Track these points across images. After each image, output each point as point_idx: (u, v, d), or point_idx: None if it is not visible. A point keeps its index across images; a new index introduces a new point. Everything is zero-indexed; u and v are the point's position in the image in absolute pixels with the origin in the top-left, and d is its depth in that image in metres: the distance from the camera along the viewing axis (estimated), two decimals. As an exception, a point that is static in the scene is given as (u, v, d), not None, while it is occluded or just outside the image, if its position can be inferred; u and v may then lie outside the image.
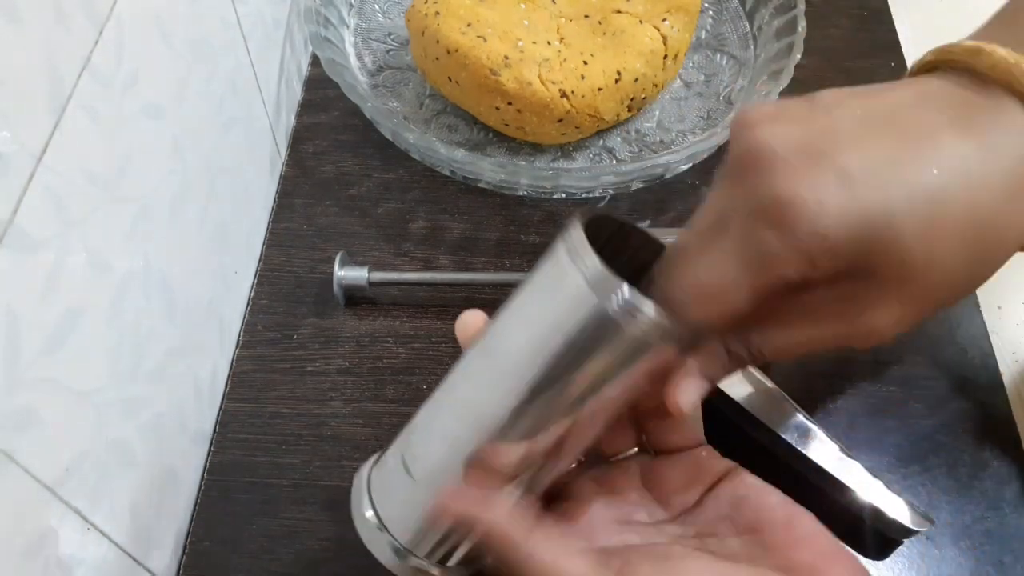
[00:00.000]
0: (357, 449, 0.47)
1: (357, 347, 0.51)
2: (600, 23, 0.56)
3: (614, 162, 0.58)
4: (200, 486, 0.46)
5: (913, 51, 0.56)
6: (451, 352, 0.50)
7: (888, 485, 0.42)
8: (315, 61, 0.65)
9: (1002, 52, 0.27)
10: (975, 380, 0.49)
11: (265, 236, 0.55)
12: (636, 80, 0.55)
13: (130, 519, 0.38)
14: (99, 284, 0.35)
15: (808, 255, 0.26)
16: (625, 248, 0.30)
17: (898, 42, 0.65)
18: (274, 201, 0.57)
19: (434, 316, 0.52)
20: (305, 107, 0.62)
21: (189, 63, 0.43)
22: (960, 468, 0.46)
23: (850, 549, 0.30)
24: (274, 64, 0.58)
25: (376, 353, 0.50)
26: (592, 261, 0.26)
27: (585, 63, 0.54)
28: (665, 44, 0.56)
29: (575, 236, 0.27)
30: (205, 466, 0.47)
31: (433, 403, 0.31)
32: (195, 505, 0.45)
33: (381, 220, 0.56)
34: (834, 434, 0.44)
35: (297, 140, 0.60)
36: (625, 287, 0.26)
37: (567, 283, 0.27)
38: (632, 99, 0.56)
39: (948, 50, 0.29)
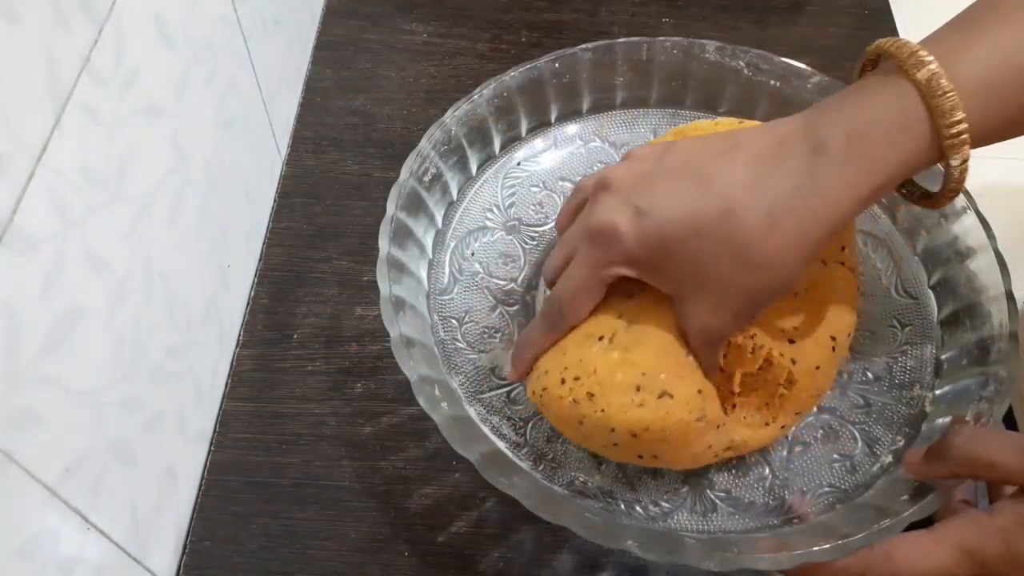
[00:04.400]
0: (357, 449, 0.47)
1: (357, 346, 0.51)
2: None
3: (854, 432, 0.45)
4: (200, 486, 0.46)
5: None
6: (451, 352, 0.50)
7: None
8: (315, 60, 0.65)
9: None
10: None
11: (265, 235, 0.55)
12: (849, 335, 0.44)
13: (130, 519, 0.38)
14: (99, 284, 0.35)
15: (626, 258, 0.38)
16: None
17: (898, 42, 0.65)
18: (274, 200, 0.57)
19: (434, 316, 0.52)
20: (305, 106, 0.62)
21: (189, 62, 0.43)
22: (960, 468, 0.46)
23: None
24: (274, 63, 0.57)
25: (376, 352, 0.50)
26: None
27: (791, 342, 0.42)
28: (855, 276, 0.45)
29: None
30: (205, 465, 0.47)
31: None
32: (195, 504, 0.45)
33: (381, 219, 0.56)
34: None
35: (297, 139, 0.60)
36: None
37: None
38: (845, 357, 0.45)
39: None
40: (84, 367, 0.34)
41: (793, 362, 0.42)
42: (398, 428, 0.48)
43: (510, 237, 0.52)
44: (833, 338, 0.43)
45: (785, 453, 0.45)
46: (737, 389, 0.42)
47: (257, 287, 0.53)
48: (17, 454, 0.30)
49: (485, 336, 0.48)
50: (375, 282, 0.52)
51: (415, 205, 0.48)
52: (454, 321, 0.48)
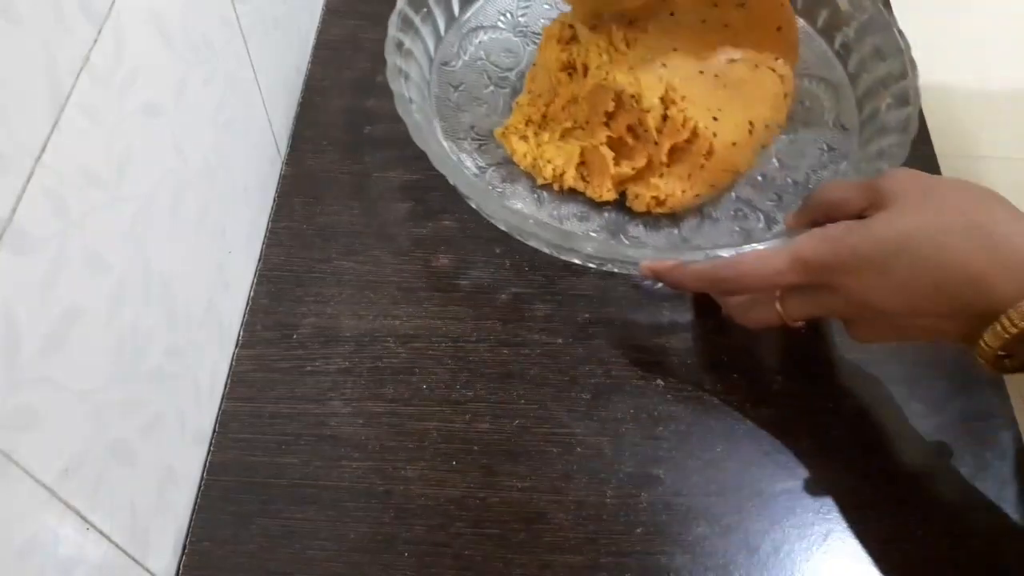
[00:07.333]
0: (356, 449, 0.47)
1: (357, 347, 0.51)
2: (717, 76, 0.53)
3: (760, 216, 0.54)
4: (200, 486, 0.46)
5: (914, 51, 0.56)
6: (451, 351, 0.50)
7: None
8: (315, 59, 0.65)
9: None
10: (975, 380, 0.49)
11: (265, 235, 0.55)
12: (767, 127, 0.53)
13: (129, 519, 0.38)
14: (98, 284, 0.35)
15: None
16: None
17: (899, 41, 0.65)
18: (273, 200, 0.57)
19: (434, 316, 0.52)
20: (304, 106, 0.62)
21: (188, 62, 0.43)
22: (960, 468, 0.46)
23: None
24: (274, 63, 0.57)
25: (376, 353, 0.50)
26: None
27: (715, 119, 0.51)
28: (783, 83, 0.54)
29: None
30: (205, 466, 0.47)
31: None
32: (195, 505, 0.45)
33: (381, 219, 0.56)
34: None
35: (297, 139, 0.60)
36: None
37: None
38: (763, 146, 0.54)
39: None
40: (83, 367, 0.34)
41: (714, 135, 0.50)
42: (398, 428, 0.48)
43: (516, 39, 0.63)
44: (751, 123, 0.52)
45: (696, 222, 0.54)
46: (664, 159, 0.51)
47: (257, 287, 0.53)
48: (16, 454, 0.30)
49: (474, 104, 0.59)
50: (375, 282, 0.53)
51: None
52: (450, 86, 0.60)
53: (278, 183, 0.58)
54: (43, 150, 0.31)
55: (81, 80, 0.33)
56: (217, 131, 0.48)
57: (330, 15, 0.68)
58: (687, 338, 0.51)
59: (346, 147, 0.59)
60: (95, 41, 0.34)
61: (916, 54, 0.55)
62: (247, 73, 0.52)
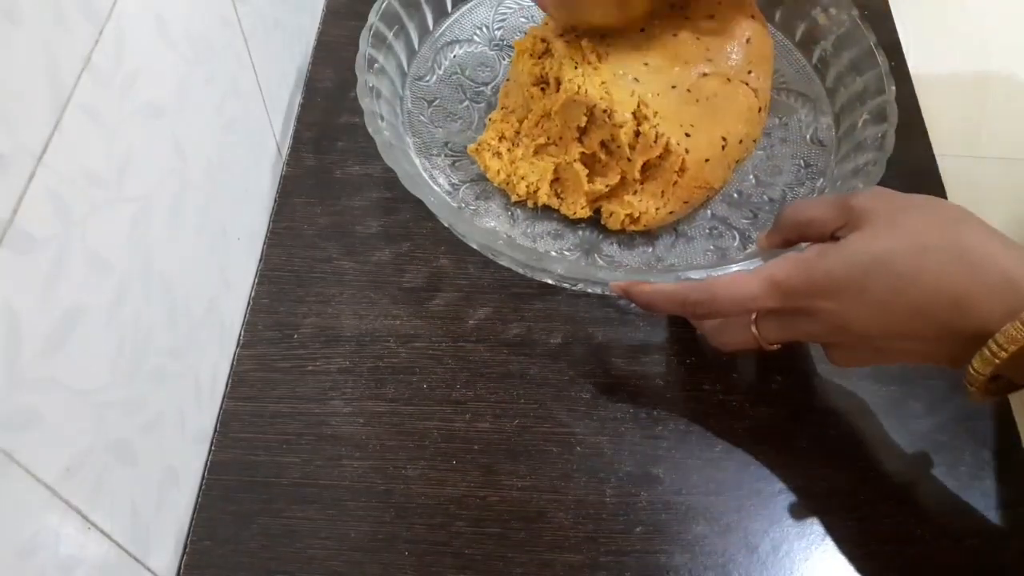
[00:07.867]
0: (357, 448, 0.47)
1: (357, 346, 0.51)
2: (690, 91, 0.52)
3: (735, 234, 0.54)
4: (201, 485, 0.46)
5: (913, 51, 0.56)
6: (451, 351, 0.50)
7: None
8: (315, 60, 0.65)
9: None
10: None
11: (266, 236, 0.55)
12: (740, 142, 0.52)
13: (131, 518, 0.39)
14: (99, 284, 0.35)
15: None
16: None
17: (899, 42, 0.65)
18: (274, 200, 0.57)
19: (434, 316, 0.52)
20: (305, 107, 0.62)
21: (189, 63, 0.43)
22: (960, 468, 0.46)
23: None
24: (275, 64, 0.58)
25: (376, 352, 0.50)
26: None
27: (688, 135, 0.50)
28: (757, 97, 0.53)
29: None
30: (206, 465, 0.47)
31: None
32: (196, 504, 0.46)
33: (382, 219, 0.56)
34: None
35: (297, 140, 0.60)
36: None
37: None
38: (737, 162, 0.53)
39: None
40: (85, 367, 0.34)
41: (687, 151, 0.50)
42: (398, 427, 0.48)
43: (492, 52, 0.62)
44: (724, 138, 0.51)
45: (671, 240, 0.54)
46: (638, 176, 0.51)
47: (258, 287, 0.53)
48: (17, 453, 0.30)
49: (448, 119, 0.58)
50: (376, 282, 0.53)
51: (412, 4, 0.58)
52: (424, 101, 0.59)
53: (279, 183, 0.58)
54: (44, 150, 0.31)
55: (82, 81, 0.33)
56: (218, 131, 0.48)
57: (331, 16, 0.68)
58: (687, 338, 0.51)
59: (346, 147, 0.60)
60: (96, 42, 0.34)
61: (916, 53, 0.55)
62: (248, 74, 0.52)
